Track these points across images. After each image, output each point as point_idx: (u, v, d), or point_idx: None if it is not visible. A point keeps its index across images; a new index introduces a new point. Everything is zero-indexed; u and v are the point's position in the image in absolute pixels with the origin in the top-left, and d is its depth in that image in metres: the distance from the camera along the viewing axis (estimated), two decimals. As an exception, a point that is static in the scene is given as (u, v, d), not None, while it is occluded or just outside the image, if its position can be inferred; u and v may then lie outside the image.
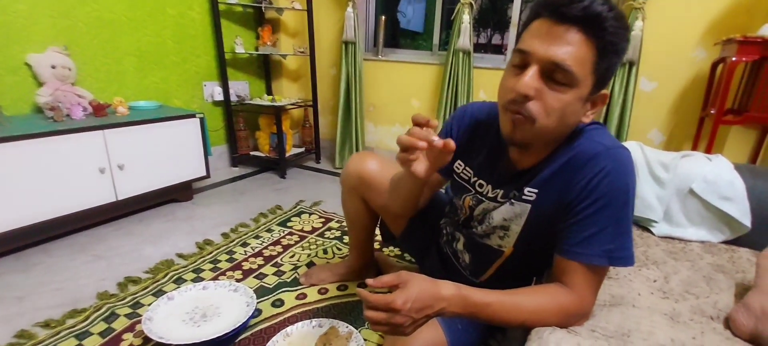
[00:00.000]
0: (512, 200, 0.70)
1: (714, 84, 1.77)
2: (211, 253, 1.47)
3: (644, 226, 1.09)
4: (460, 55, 2.17)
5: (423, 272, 0.70)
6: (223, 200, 2.00)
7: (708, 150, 1.66)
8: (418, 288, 0.55)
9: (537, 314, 0.60)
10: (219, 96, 2.36)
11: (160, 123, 1.71)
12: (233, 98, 2.40)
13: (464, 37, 2.13)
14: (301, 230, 1.69)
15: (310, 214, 1.87)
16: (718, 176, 1.00)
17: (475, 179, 0.78)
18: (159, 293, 1.21)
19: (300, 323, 1.04)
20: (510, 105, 0.60)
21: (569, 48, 0.55)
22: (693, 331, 0.62)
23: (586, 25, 0.54)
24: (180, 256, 1.44)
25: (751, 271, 0.84)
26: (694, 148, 1.87)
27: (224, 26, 2.29)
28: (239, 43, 2.34)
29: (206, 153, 1.91)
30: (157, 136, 1.72)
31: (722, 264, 0.87)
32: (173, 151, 1.79)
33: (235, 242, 1.56)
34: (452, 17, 2.19)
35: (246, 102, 2.41)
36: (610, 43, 0.55)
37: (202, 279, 1.30)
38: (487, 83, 2.30)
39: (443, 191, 1.06)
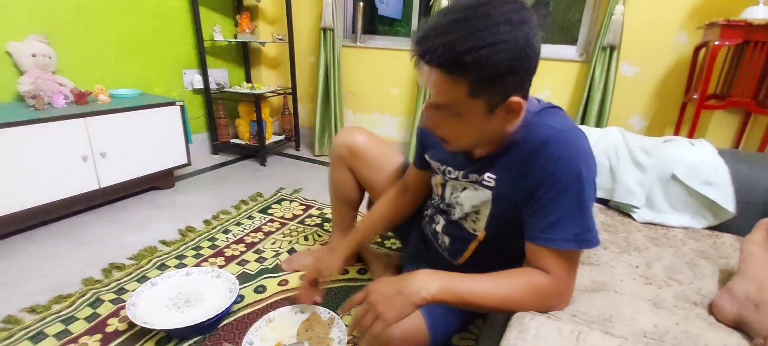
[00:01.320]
0: (476, 186, 0.74)
1: (696, 69, 1.78)
2: (193, 240, 1.53)
3: (626, 212, 1.07)
4: None
5: (407, 252, 0.83)
6: (205, 187, 2.05)
7: (690, 135, 1.66)
8: (383, 283, 0.62)
9: (511, 296, 0.61)
10: (199, 84, 2.37)
11: (141, 111, 1.74)
12: (213, 86, 2.42)
13: None
14: (282, 217, 1.76)
15: (291, 201, 1.93)
16: (701, 160, 0.98)
17: (443, 166, 0.84)
18: (143, 279, 1.27)
19: (282, 309, 1.07)
20: None
21: (436, 89, 0.58)
22: (676, 317, 0.61)
23: (446, 68, 0.55)
24: (163, 243, 1.50)
25: (734, 256, 0.83)
26: (677, 133, 1.86)
27: (203, 14, 2.30)
28: (218, 30, 2.35)
29: (187, 141, 1.95)
30: (139, 124, 1.75)
31: (705, 250, 0.86)
32: (154, 139, 1.83)
33: (216, 229, 1.62)
34: (430, 3, 2.20)
35: (225, 90, 2.45)
36: (479, 78, 0.55)
37: (185, 265, 1.36)
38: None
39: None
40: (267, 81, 2.90)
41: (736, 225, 0.95)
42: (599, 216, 1.06)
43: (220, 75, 2.53)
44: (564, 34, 2.35)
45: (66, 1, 1.75)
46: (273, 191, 2.02)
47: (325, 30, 2.40)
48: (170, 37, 2.20)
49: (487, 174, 0.72)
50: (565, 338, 0.55)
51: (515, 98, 0.59)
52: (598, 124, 1.99)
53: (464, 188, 0.79)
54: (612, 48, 1.88)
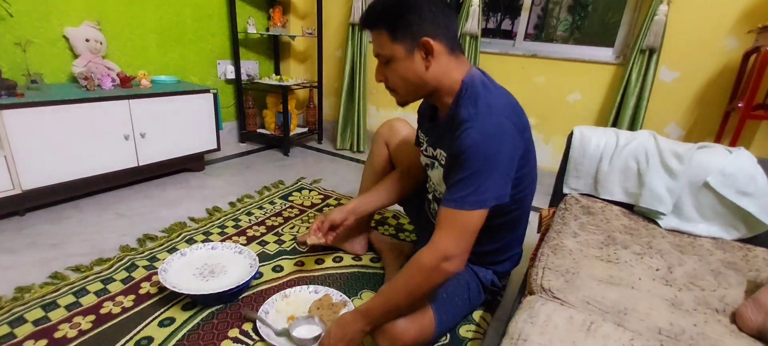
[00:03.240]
0: (437, 165, 0.92)
1: (744, 75, 1.67)
2: (219, 219, 1.64)
3: (652, 218, 1.05)
4: (467, 39, 2.19)
5: (418, 232, 1.06)
6: (231, 172, 2.18)
7: (732, 145, 1.52)
8: (332, 328, 0.84)
9: (408, 285, 0.75)
10: (231, 74, 2.50)
11: (178, 96, 1.88)
12: (244, 77, 2.54)
13: (473, 21, 2.14)
14: (301, 205, 1.85)
15: (310, 190, 2.01)
16: (738, 169, 0.93)
17: (424, 139, 1.01)
18: (173, 250, 1.38)
19: (298, 287, 1.17)
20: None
21: (376, 43, 0.83)
22: (695, 319, 0.60)
23: (373, 26, 0.82)
24: (192, 219, 1.62)
25: (766, 270, 0.80)
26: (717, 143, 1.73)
27: (238, 7, 2.43)
28: (252, 23, 2.46)
29: (218, 127, 2.07)
30: (175, 109, 1.89)
31: (735, 262, 0.83)
32: (189, 124, 1.96)
33: (240, 211, 1.72)
34: (461, 0, 2.21)
35: (255, 81, 2.56)
36: (390, 22, 0.79)
37: (211, 241, 1.46)
38: (493, 69, 2.26)
39: None
40: (295, 74, 3.00)
41: None
42: (622, 219, 1.03)
43: (251, 66, 2.66)
44: (601, 38, 2.29)
45: (115, -9, 1.92)
46: (294, 180, 2.12)
47: (353, 26, 2.47)
48: (207, 29, 2.34)
49: (439, 151, 0.88)
50: (576, 326, 0.54)
51: (425, 38, 0.77)
52: (631, 129, 1.91)
53: (429, 166, 0.97)
54: (651, 51, 1.81)
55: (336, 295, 1.13)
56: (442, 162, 0.88)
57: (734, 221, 0.95)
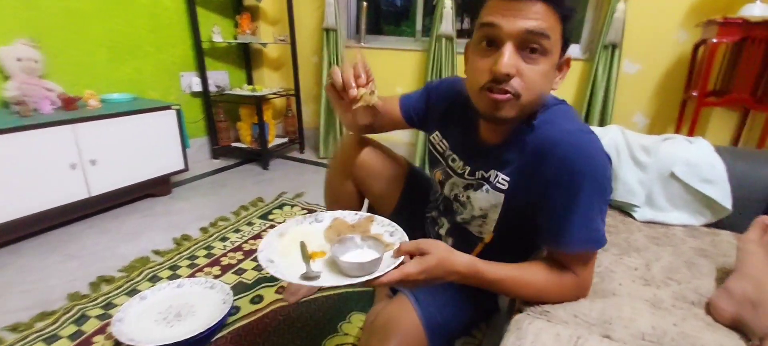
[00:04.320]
0: (488, 188, 0.70)
1: (696, 66, 1.75)
2: (188, 249, 1.44)
3: (626, 210, 1.07)
4: (443, 41, 2.12)
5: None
6: (203, 193, 1.95)
7: (690, 133, 1.65)
8: (435, 260, 0.57)
9: (544, 291, 0.64)
10: (197, 87, 2.28)
11: (133, 116, 1.65)
12: (212, 89, 2.32)
13: (446, 23, 2.07)
14: (283, 222, 1.66)
15: (293, 206, 1.83)
16: (699, 158, 0.99)
17: (450, 152, 0.79)
18: (133, 293, 1.17)
19: (292, 220, 0.77)
20: (492, 85, 0.60)
21: (538, 19, 0.57)
22: (674, 317, 0.62)
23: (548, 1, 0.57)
24: (156, 253, 1.40)
25: (732, 254, 0.82)
26: (677, 131, 1.85)
27: (200, 14, 2.19)
28: (217, 31, 2.26)
29: (184, 146, 1.85)
30: (131, 130, 1.65)
31: (705, 248, 0.87)
32: (149, 145, 1.73)
33: (214, 237, 1.52)
34: (434, 2, 2.12)
35: (226, 92, 2.34)
36: (568, 9, 0.59)
37: (179, 276, 1.27)
38: (470, 70, 2.26)
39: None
40: (269, 83, 2.81)
41: (734, 222, 0.95)
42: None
43: (220, 77, 2.45)
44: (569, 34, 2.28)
45: (53, 4, 1.63)
46: (274, 196, 1.93)
47: (327, 30, 2.33)
48: (166, 39, 2.10)
49: (502, 176, 0.68)
50: (563, 342, 0.55)
51: (570, 55, 0.63)
52: (602, 122, 1.94)
53: (471, 186, 0.74)
54: (614, 46, 1.83)
55: (349, 215, 0.79)
56: (504, 187, 0.69)
57: (700, 207, 0.99)
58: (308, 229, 0.75)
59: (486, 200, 0.71)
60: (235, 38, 2.44)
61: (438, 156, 0.84)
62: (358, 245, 0.64)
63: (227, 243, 1.48)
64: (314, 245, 0.68)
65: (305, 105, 2.74)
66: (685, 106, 1.82)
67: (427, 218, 0.95)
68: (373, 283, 0.55)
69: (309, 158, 2.62)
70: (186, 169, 1.90)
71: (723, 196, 0.96)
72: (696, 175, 0.98)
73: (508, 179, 0.68)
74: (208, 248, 1.45)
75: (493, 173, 0.70)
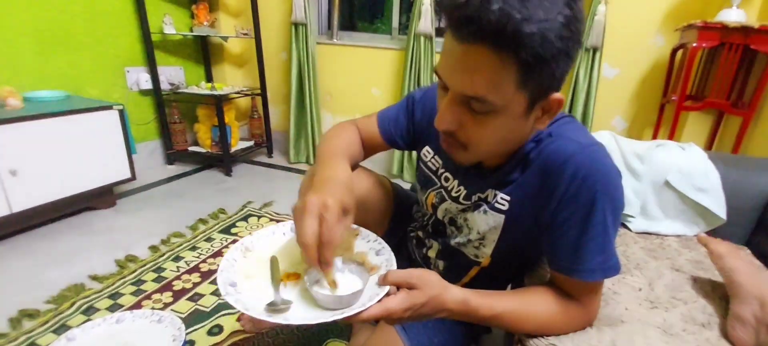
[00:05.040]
0: (486, 209, 0.64)
1: (673, 70, 1.79)
2: (133, 272, 1.27)
3: (621, 221, 1.06)
4: (422, 39, 2.06)
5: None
6: (154, 205, 1.76)
7: (670, 136, 1.68)
8: (425, 298, 0.51)
9: (548, 324, 0.59)
10: (146, 84, 2.06)
11: (65, 117, 1.45)
12: (165, 86, 2.12)
13: (425, 21, 2.01)
14: None
15: (259, 217, 1.69)
16: (692, 166, 0.98)
17: (443, 170, 0.72)
18: (62, 329, 1.02)
19: (262, 232, 0.65)
20: (440, 132, 0.55)
21: (478, 76, 0.45)
22: (688, 345, 0.60)
23: (496, 42, 0.42)
24: (93, 278, 1.23)
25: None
26: (655, 134, 1.89)
27: (149, 2, 2.00)
28: (169, 22, 2.06)
29: (129, 151, 1.65)
30: (63, 133, 1.45)
31: (700, 260, 0.87)
32: (86, 151, 1.53)
33: (165, 257, 1.37)
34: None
35: (181, 90, 2.15)
36: (536, 56, 0.43)
37: (120, 307, 1.11)
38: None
39: (410, 188, 0.97)
40: (232, 81, 2.63)
41: (726, 231, 0.95)
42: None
43: (174, 73, 2.23)
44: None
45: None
46: (239, 206, 1.77)
47: (296, 25, 2.21)
48: (107, 29, 1.87)
49: (501, 195, 0.62)
50: None
51: (557, 95, 0.50)
52: (584, 125, 1.94)
53: (467, 209, 0.68)
54: (594, 49, 1.84)
55: None
56: (504, 207, 0.62)
57: (694, 216, 0.98)
58: (281, 242, 0.63)
59: (485, 222, 0.65)
60: (191, 30, 2.26)
61: (431, 175, 0.74)
62: (339, 269, 0.56)
63: (181, 264, 1.33)
64: (288, 262, 0.58)
65: (273, 106, 2.60)
66: (663, 110, 1.86)
67: (410, 236, 0.87)
68: (352, 319, 0.47)
69: (278, 163, 2.48)
70: (133, 178, 1.70)
71: (717, 205, 0.95)
72: (690, 183, 0.97)
73: (507, 198, 0.61)
74: (158, 270, 1.29)
75: (490, 192, 0.63)
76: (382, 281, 0.51)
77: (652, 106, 1.92)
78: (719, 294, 0.74)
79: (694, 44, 1.52)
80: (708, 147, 1.87)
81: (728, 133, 1.78)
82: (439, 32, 2.10)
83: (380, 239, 0.62)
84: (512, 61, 0.43)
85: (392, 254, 0.58)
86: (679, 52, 1.74)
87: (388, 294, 0.49)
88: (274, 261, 0.54)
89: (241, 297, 0.49)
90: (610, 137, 1.10)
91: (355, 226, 0.65)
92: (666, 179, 0.99)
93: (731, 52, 1.50)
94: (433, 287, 0.51)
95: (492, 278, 0.74)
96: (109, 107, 1.57)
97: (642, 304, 0.71)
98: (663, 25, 1.81)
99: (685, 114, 1.85)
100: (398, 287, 0.51)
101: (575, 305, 0.59)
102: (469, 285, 0.73)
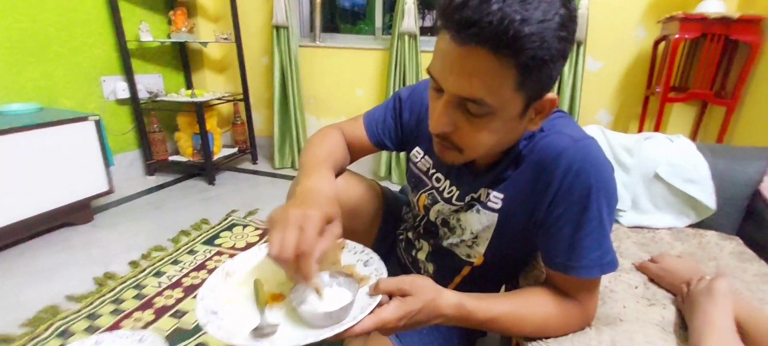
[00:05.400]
0: (479, 208, 0.64)
1: (656, 63, 1.82)
2: (113, 290, 1.24)
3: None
4: (406, 38, 2.06)
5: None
6: (134, 218, 1.73)
7: (655, 128, 1.70)
8: (420, 304, 0.50)
9: (546, 326, 0.58)
10: (124, 93, 2.03)
11: (37, 130, 1.41)
12: (143, 95, 2.09)
13: (409, 19, 2.01)
14: (233, 248, 1.50)
15: (244, 226, 1.67)
16: (682, 158, 0.98)
17: (434, 170, 0.71)
18: (36, 354, 0.97)
19: (243, 255, 0.60)
20: (433, 135, 0.55)
21: (476, 79, 0.45)
22: (687, 340, 0.60)
23: (495, 45, 0.42)
24: (70, 299, 1.20)
25: (721, 257, 0.85)
26: (641, 126, 1.92)
27: (124, 10, 1.96)
28: (145, 29, 2.02)
29: (107, 163, 1.61)
30: (36, 147, 1.42)
31: (693, 252, 0.87)
32: (61, 165, 1.49)
33: (146, 272, 1.34)
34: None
35: (160, 98, 2.11)
36: (534, 58, 0.43)
37: (98, 328, 1.09)
38: (435, 68, 2.22)
39: (399, 190, 0.96)
40: (212, 87, 2.60)
41: (716, 221, 0.96)
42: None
43: (153, 81, 2.19)
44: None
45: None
46: (223, 216, 1.75)
47: (277, 28, 2.20)
48: (82, 38, 1.83)
49: (494, 194, 0.61)
50: None
51: (551, 95, 0.50)
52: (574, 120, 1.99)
53: (460, 209, 0.67)
54: (579, 43, 1.86)
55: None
56: (496, 206, 0.62)
57: (684, 208, 0.99)
58: (264, 262, 0.58)
59: (478, 222, 0.64)
60: (169, 37, 2.22)
61: (421, 175, 0.74)
62: (326, 284, 0.54)
63: (163, 279, 1.30)
64: (273, 282, 0.55)
65: (256, 111, 2.58)
66: (647, 102, 1.89)
67: (399, 239, 0.86)
68: (345, 335, 0.45)
69: (263, 169, 2.45)
70: (110, 191, 1.67)
71: (707, 196, 0.96)
72: (679, 175, 0.98)
73: (501, 196, 0.61)
74: (139, 286, 1.26)
75: (483, 191, 0.63)
76: (374, 291, 0.50)
77: (636, 99, 1.95)
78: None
79: (677, 36, 1.55)
80: (693, 138, 1.89)
81: (712, 123, 1.82)
82: (424, 31, 2.11)
83: (367, 249, 0.60)
84: (511, 64, 0.43)
85: (382, 262, 0.57)
86: (662, 44, 1.77)
87: (380, 304, 0.48)
88: (257, 283, 0.52)
89: (224, 324, 0.46)
90: (599, 131, 1.11)
91: (341, 238, 0.62)
92: (656, 172, 1.00)
93: (713, 42, 1.53)
94: (427, 291, 0.51)
95: (485, 279, 0.74)
96: (84, 118, 1.53)
97: (639, 302, 0.71)
98: (645, 17, 1.84)
99: (669, 105, 1.87)
100: (390, 296, 0.50)
101: (573, 304, 0.59)
102: (461, 286, 0.75)
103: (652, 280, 0.76)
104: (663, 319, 0.65)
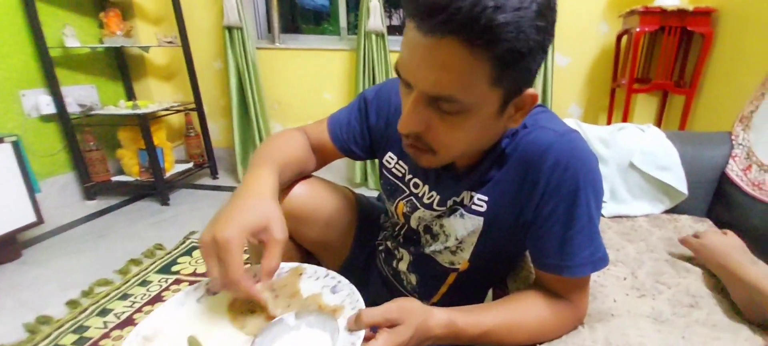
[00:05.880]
0: (462, 213, 0.62)
1: (620, 56, 1.93)
2: (48, 336, 1.10)
3: None
4: (373, 37, 2.03)
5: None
6: (72, 250, 1.56)
7: (623, 119, 1.80)
8: (411, 332, 0.48)
9: (540, 331, 0.58)
10: (48, 108, 1.81)
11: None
12: (73, 109, 1.89)
13: (375, 18, 1.99)
14: (194, 273, 1.39)
15: (204, 249, 1.51)
16: (654, 146, 1.05)
17: (411, 176, 0.68)
18: None
19: (167, 304, 0.49)
20: (403, 136, 0.52)
21: (447, 73, 0.42)
22: (681, 331, 0.62)
23: (467, 35, 0.39)
24: None
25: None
26: (610, 118, 2.03)
27: (43, 12, 1.77)
28: (70, 33, 1.84)
29: (31, 190, 1.42)
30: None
31: (670, 236, 0.92)
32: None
33: (89, 312, 1.20)
34: None
35: (94, 112, 1.92)
36: (511, 50, 0.40)
37: None
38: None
39: (376, 199, 0.92)
40: (159, 96, 2.43)
41: (688, 205, 1.04)
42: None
43: (85, 93, 1.98)
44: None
45: None
46: (180, 239, 1.62)
47: (230, 29, 2.10)
48: (-9, 47, 1.62)
49: (477, 196, 0.60)
50: None
51: (531, 90, 0.48)
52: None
53: (443, 215, 0.65)
54: None
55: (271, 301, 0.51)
56: (481, 209, 0.60)
57: (659, 194, 1.05)
58: (197, 311, 0.48)
59: (462, 227, 0.63)
60: (101, 42, 2.05)
61: (397, 182, 0.70)
62: (291, 328, 0.46)
63: (109, 318, 1.18)
64: (215, 338, 0.45)
65: (212, 121, 2.44)
66: (614, 94, 2.01)
67: (379, 250, 0.82)
68: None
69: (225, 184, 2.33)
70: (39, 222, 1.50)
71: (678, 181, 1.02)
72: (653, 163, 1.04)
73: (485, 198, 0.60)
74: (80, 329, 1.14)
75: (466, 194, 0.61)
76: (356, 325, 0.44)
77: (603, 92, 2.06)
78: (696, 273, 0.78)
79: (637, 29, 1.65)
80: (657, 125, 2.01)
81: (674, 111, 1.96)
82: (392, 30, 2.07)
83: (332, 273, 0.53)
84: (485, 57, 0.40)
85: (353, 287, 0.51)
86: (624, 38, 1.88)
87: (366, 339, 0.43)
88: (192, 342, 0.42)
89: None
90: (575, 124, 1.15)
91: (295, 264, 0.57)
92: (630, 161, 1.05)
93: (671, 35, 1.64)
94: (416, 315, 0.49)
95: (472, 284, 0.74)
96: None
97: (629, 294, 0.73)
98: (607, 12, 1.95)
99: (634, 96, 1.98)
100: (374, 328, 0.46)
101: (565, 304, 0.59)
102: (448, 294, 0.73)
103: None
104: (653, 309, 0.67)
